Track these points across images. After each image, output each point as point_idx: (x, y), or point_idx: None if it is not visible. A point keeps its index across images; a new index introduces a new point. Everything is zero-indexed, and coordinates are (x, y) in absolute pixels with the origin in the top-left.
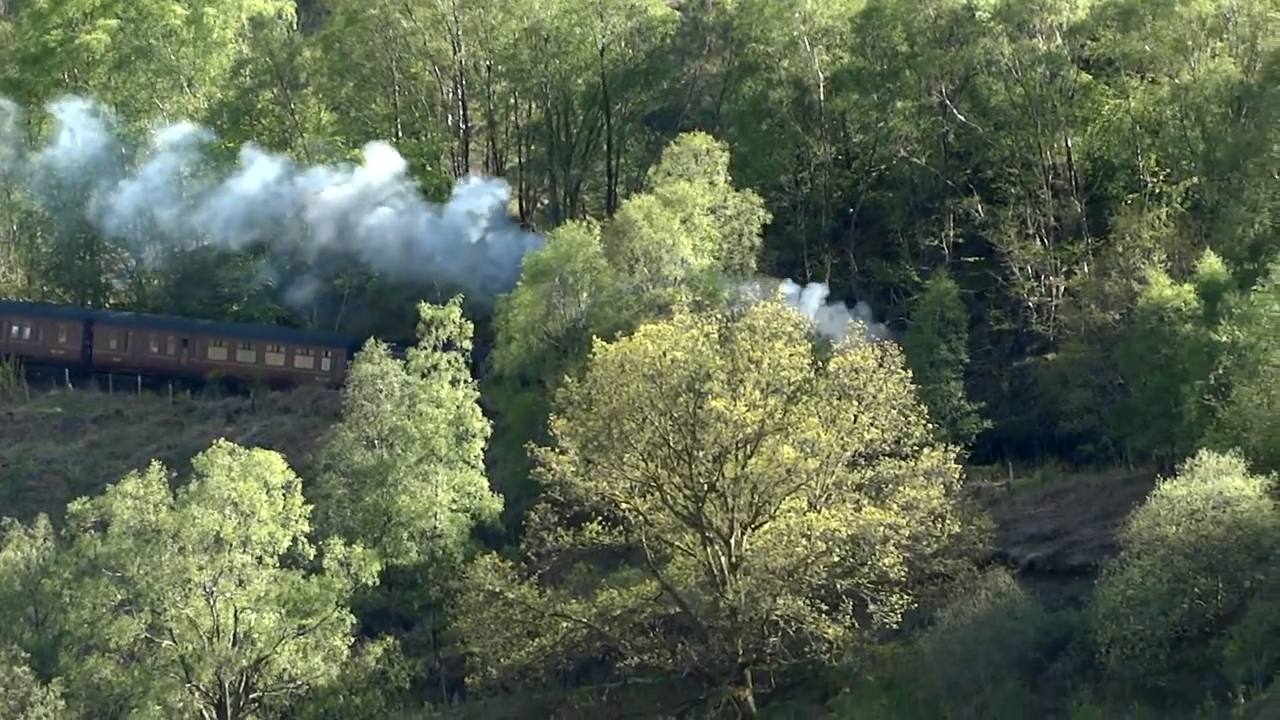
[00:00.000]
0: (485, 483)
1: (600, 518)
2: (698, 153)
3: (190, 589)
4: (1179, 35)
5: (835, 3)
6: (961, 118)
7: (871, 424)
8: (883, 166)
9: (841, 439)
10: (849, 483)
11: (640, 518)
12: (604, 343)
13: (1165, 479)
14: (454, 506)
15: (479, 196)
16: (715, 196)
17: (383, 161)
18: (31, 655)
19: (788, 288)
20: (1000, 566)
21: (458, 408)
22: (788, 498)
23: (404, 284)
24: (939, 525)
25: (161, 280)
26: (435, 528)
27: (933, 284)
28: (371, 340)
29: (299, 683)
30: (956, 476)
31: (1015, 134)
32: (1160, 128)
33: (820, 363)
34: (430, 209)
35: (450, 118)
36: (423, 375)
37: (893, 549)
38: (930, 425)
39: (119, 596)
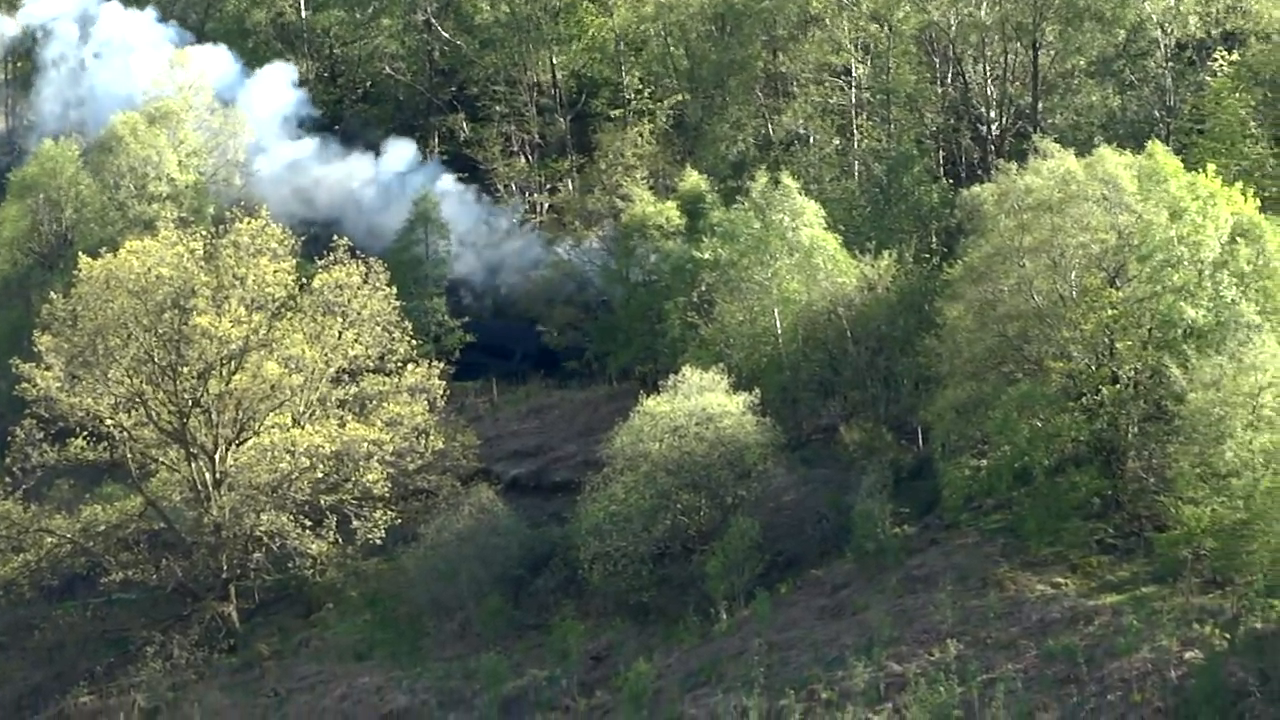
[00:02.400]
0: None
1: (86, 433)
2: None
3: None
4: None
5: None
6: (446, 35)
7: (356, 340)
8: (368, 83)
9: (326, 355)
10: (333, 399)
11: (125, 433)
12: (89, 259)
13: (648, 395)
14: None
15: None
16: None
17: None
18: None
19: None
20: (484, 483)
21: None
22: (272, 414)
23: None
24: (423, 441)
25: None
26: None
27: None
28: None
29: None
30: (440, 392)
31: (500, 51)
32: (644, 45)
33: (305, 278)
34: None
35: None
36: None
37: (376, 465)
38: (414, 341)
39: None
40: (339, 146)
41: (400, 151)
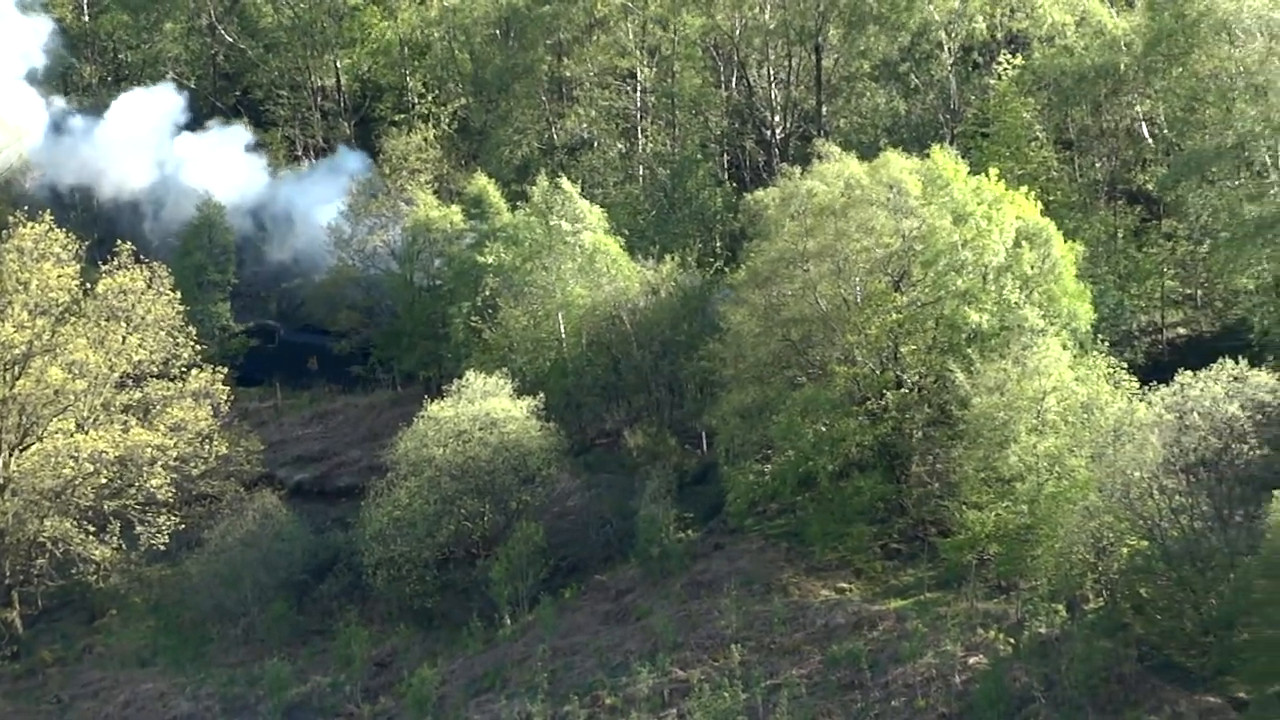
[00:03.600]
0: None
1: None
2: None
3: None
4: None
5: None
6: (230, 39)
7: (140, 345)
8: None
9: (110, 360)
10: (117, 404)
11: None
12: None
13: (432, 400)
14: None
15: None
16: None
17: None
18: None
19: None
20: (268, 488)
21: None
22: (56, 419)
23: None
24: (207, 446)
25: None
26: None
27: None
28: None
29: None
30: (224, 397)
31: (284, 55)
32: (428, 49)
33: (89, 284)
34: None
35: None
36: None
37: (160, 470)
38: (199, 346)
39: None
40: None
41: None
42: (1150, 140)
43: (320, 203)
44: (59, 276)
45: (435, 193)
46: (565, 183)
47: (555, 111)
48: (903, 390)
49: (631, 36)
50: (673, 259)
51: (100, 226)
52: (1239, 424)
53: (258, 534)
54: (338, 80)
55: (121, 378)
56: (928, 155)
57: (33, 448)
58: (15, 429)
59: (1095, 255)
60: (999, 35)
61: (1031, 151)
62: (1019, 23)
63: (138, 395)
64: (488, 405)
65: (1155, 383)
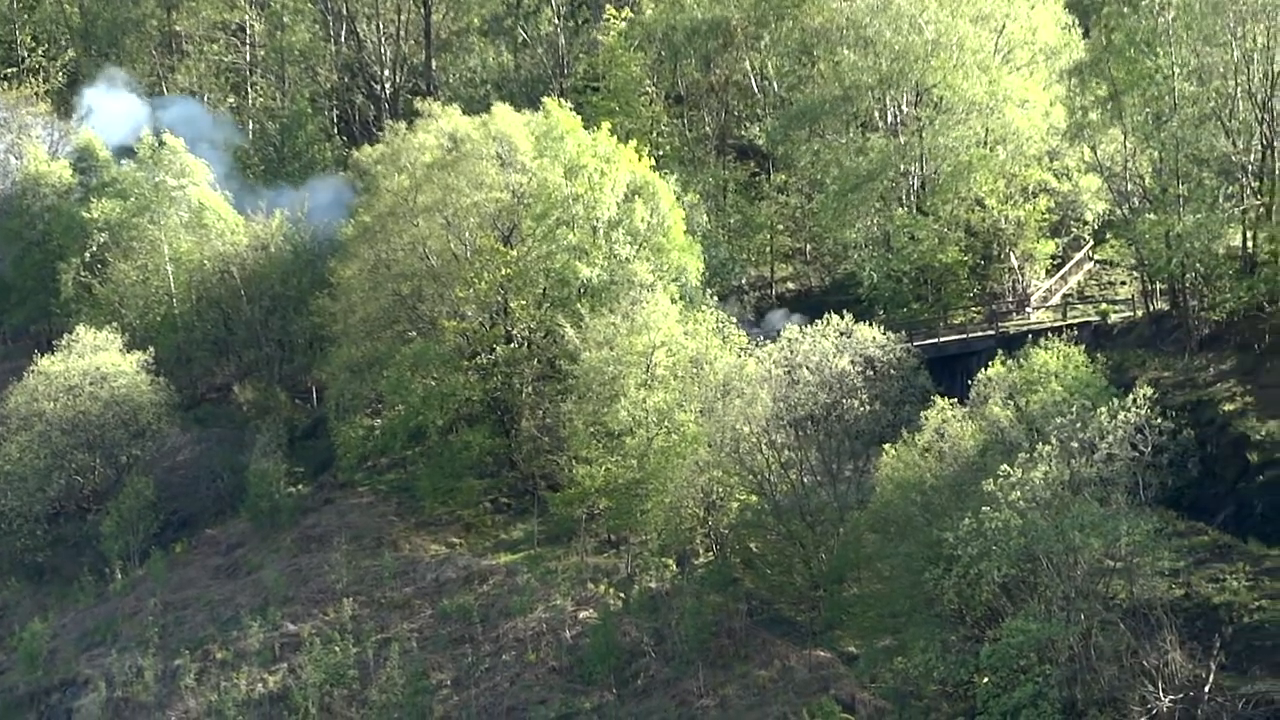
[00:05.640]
0: None
1: None
2: None
3: None
4: None
5: None
6: None
7: None
8: None
9: None
10: None
11: None
12: None
13: (43, 355)
14: None
15: None
16: None
17: None
18: None
19: None
20: None
21: None
22: None
23: None
24: None
25: None
26: None
27: None
28: None
29: None
30: None
31: None
32: (39, 2)
33: None
34: None
35: None
36: None
37: None
38: None
39: None
40: None
41: None
42: (760, 95)
43: None
44: None
45: (47, 147)
46: (170, 137)
47: (166, 66)
48: (512, 345)
49: None
50: (281, 214)
51: None
52: (848, 378)
53: None
54: None
55: None
56: (540, 109)
57: None
58: None
59: (706, 209)
60: None
61: (642, 106)
62: None
63: None
64: (98, 360)
65: (764, 337)
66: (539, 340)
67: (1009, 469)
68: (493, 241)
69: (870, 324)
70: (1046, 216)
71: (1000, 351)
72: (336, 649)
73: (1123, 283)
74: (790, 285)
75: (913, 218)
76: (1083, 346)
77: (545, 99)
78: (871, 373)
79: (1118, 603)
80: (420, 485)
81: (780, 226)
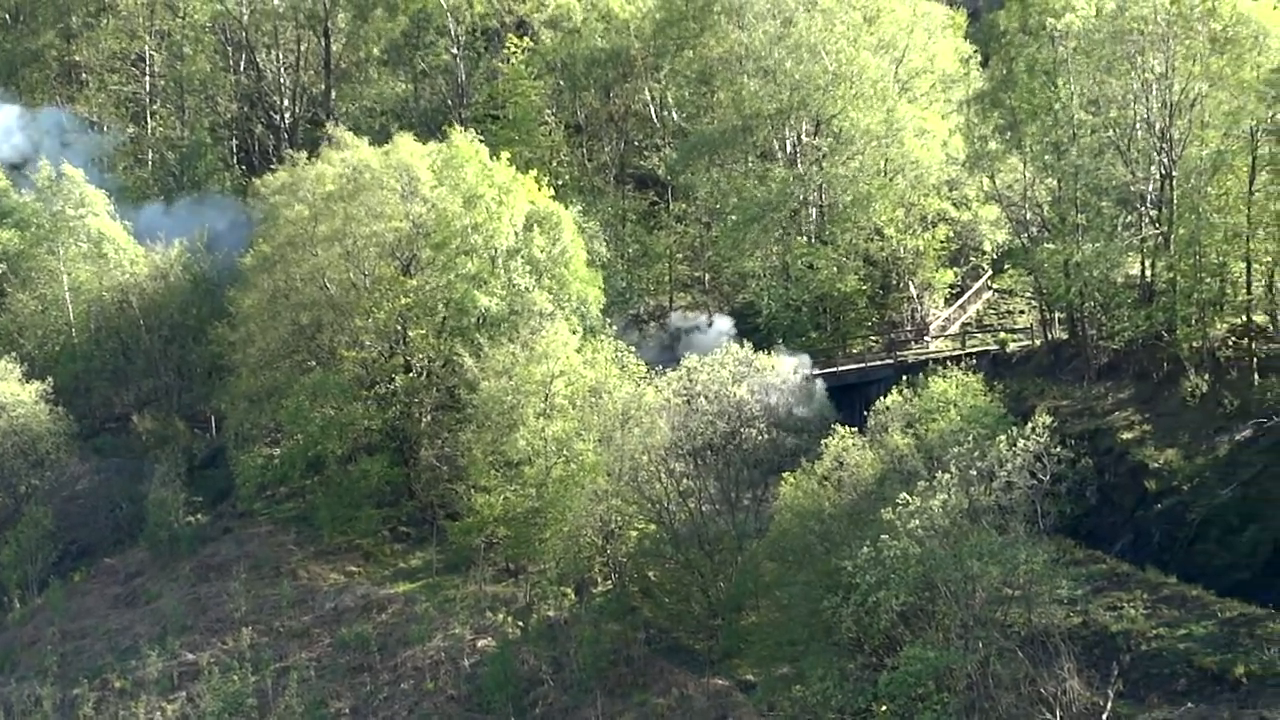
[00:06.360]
0: None
1: None
2: None
3: None
4: None
5: None
6: None
7: None
8: None
9: None
10: None
11: None
12: None
13: None
14: None
15: None
16: None
17: None
18: None
19: None
20: None
21: None
22: None
23: None
24: None
25: None
26: None
27: None
28: None
29: None
30: None
31: None
32: None
33: None
34: None
35: None
36: None
37: None
38: None
39: None
40: None
41: None
42: (660, 124)
43: None
44: None
45: None
46: (69, 167)
47: (65, 96)
48: (411, 374)
49: (142, 20)
50: (181, 244)
51: None
52: (747, 407)
53: None
54: None
55: None
56: (442, 138)
57: None
58: None
59: (605, 239)
60: (506, 19)
61: (542, 136)
62: (523, 6)
63: None
64: None
65: (663, 366)
66: (438, 370)
67: (908, 497)
68: (392, 271)
69: (770, 352)
70: (945, 246)
71: (899, 380)
72: (235, 678)
73: (1021, 311)
74: (690, 314)
75: (811, 247)
76: (981, 375)
77: (449, 128)
78: (770, 401)
79: (1016, 631)
80: (319, 514)
81: (679, 256)
